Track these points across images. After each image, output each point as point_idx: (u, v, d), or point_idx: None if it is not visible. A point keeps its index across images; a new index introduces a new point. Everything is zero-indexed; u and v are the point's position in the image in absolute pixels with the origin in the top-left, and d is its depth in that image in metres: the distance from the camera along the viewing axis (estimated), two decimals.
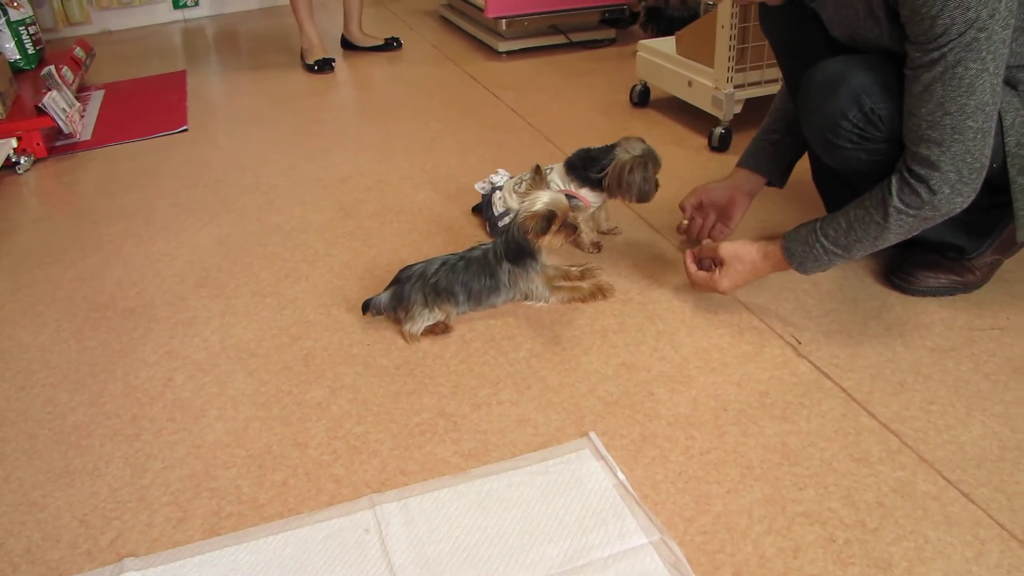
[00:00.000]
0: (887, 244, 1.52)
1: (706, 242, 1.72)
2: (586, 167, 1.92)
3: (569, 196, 1.95)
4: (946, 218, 1.47)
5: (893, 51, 1.45)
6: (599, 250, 2.02)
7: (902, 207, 1.44)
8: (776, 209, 2.08)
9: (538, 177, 1.76)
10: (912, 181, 1.43)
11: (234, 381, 1.64)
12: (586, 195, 1.95)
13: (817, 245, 1.55)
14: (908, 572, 1.15)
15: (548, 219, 1.66)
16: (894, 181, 1.45)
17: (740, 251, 1.66)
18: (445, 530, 1.25)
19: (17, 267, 2.16)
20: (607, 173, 1.88)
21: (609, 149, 1.91)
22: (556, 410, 1.49)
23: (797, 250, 1.58)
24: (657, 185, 1.92)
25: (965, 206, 1.44)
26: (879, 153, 1.52)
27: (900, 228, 1.47)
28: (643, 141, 1.91)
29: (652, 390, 1.53)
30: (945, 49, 1.32)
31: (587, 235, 2.00)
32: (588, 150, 1.95)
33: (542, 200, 1.67)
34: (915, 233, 1.50)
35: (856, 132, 1.52)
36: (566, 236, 1.71)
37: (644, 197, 1.89)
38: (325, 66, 3.68)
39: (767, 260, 1.64)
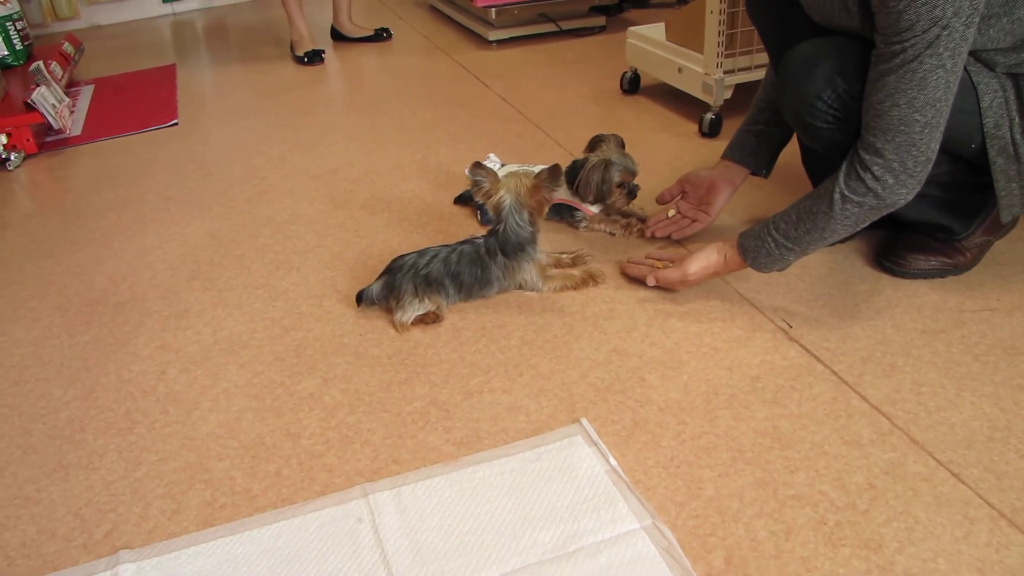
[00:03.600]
0: (836, 236, 1.53)
1: (666, 268, 1.74)
2: (573, 178, 1.99)
3: (573, 208, 1.99)
4: (892, 210, 1.48)
5: (869, 37, 1.46)
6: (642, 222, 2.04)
7: (848, 194, 1.46)
8: (763, 194, 2.08)
9: (484, 171, 1.74)
10: (858, 168, 1.45)
11: (227, 373, 1.64)
12: (588, 205, 2.01)
13: (769, 239, 1.56)
14: (899, 552, 1.16)
15: (553, 173, 1.69)
16: (843, 167, 1.47)
17: (704, 262, 1.67)
18: (438, 518, 1.26)
19: (7, 263, 2.16)
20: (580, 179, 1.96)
21: (587, 157, 1.97)
22: (548, 397, 1.50)
23: (751, 245, 1.60)
24: (633, 192, 1.96)
25: (910, 198, 1.46)
26: (855, 134, 1.52)
27: (846, 218, 1.48)
28: (620, 145, 1.95)
29: (643, 376, 1.53)
30: (907, 44, 1.33)
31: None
32: (576, 161, 2.01)
33: (516, 176, 1.71)
34: (863, 225, 1.51)
35: (831, 113, 1.53)
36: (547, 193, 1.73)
37: (601, 197, 1.95)
38: (315, 58, 3.67)
39: (727, 264, 1.66)
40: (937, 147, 1.42)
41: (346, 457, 1.40)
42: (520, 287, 1.79)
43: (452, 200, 2.24)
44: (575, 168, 1.99)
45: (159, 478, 1.40)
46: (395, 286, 1.70)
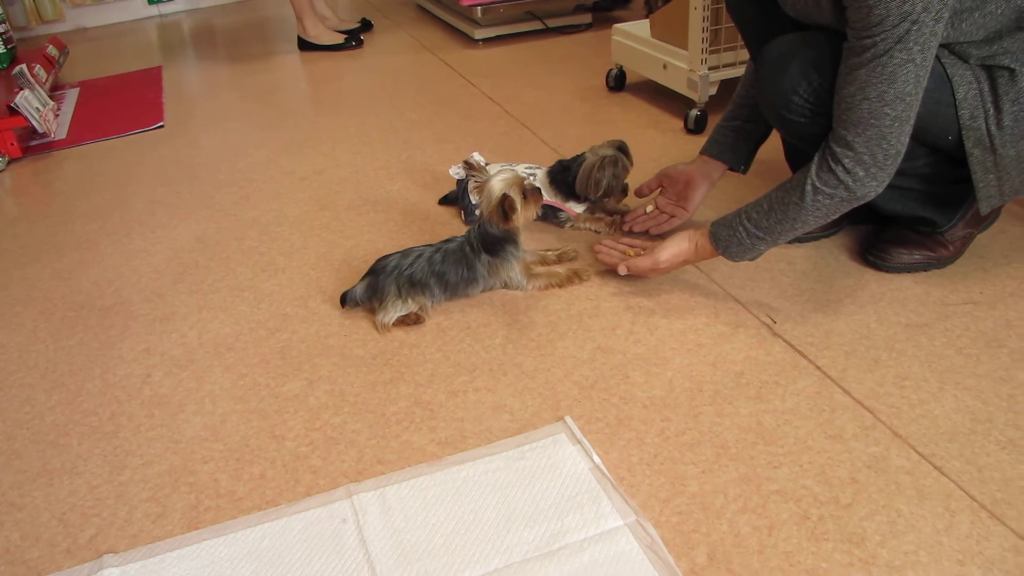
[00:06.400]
0: (807, 227, 1.54)
1: (637, 256, 1.75)
2: (563, 178, 1.99)
3: (556, 208, 1.99)
4: (862, 203, 1.49)
5: (843, 31, 1.47)
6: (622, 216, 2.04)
7: (819, 186, 1.47)
8: (747, 189, 2.07)
9: (474, 170, 1.75)
10: (829, 160, 1.46)
11: (212, 376, 1.64)
12: (571, 206, 2.02)
13: (740, 228, 1.57)
14: (881, 546, 1.16)
15: (503, 204, 1.65)
16: (815, 159, 1.48)
17: (675, 249, 1.68)
18: (422, 517, 1.26)
19: None
20: (577, 176, 1.95)
21: (579, 156, 1.98)
22: (532, 395, 1.50)
23: (722, 235, 1.61)
24: (625, 190, 1.98)
25: (880, 191, 1.47)
26: (831, 127, 1.53)
27: (817, 210, 1.49)
28: (613, 146, 1.95)
29: (628, 373, 1.53)
30: (877, 38, 1.34)
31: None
32: (562, 161, 2.03)
33: (493, 189, 1.67)
34: (834, 217, 1.53)
35: (807, 107, 1.54)
36: (535, 203, 1.73)
37: (609, 192, 1.95)
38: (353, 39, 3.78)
39: (698, 253, 1.67)
40: (907, 140, 1.43)
41: (331, 458, 1.40)
42: (505, 285, 1.80)
43: (437, 201, 2.24)
44: (562, 167, 1.99)
45: (144, 482, 1.40)
46: (378, 287, 1.70)
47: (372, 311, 1.75)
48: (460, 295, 1.77)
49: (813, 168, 1.48)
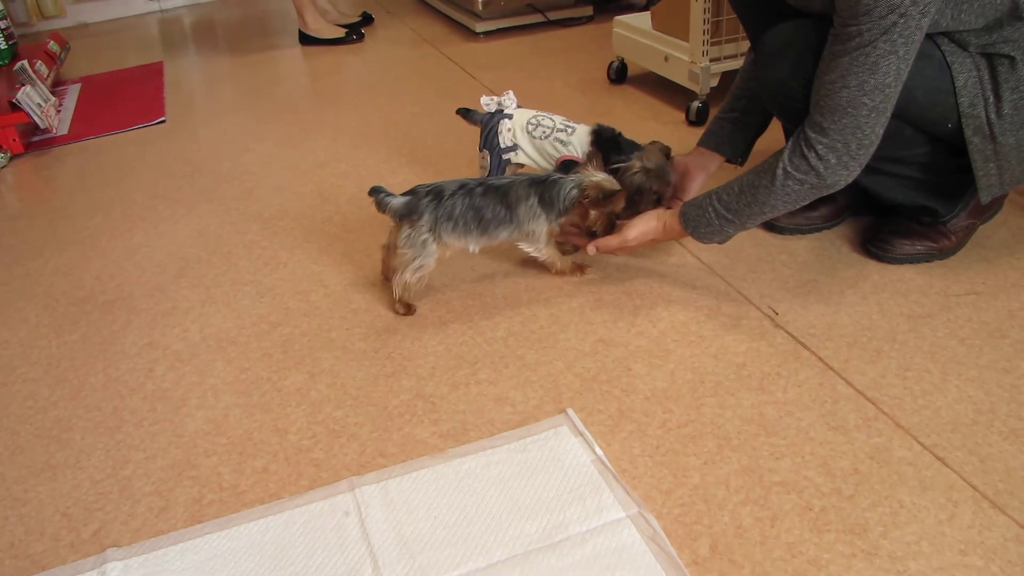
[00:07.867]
0: (775, 212, 1.54)
1: (603, 238, 1.73)
2: (608, 147, 1.88)
3: (576, 162, 1.90)
4: (831, 191, 1.49)
5: None
6: None
7: (791, 170, 1.47)
8: None
9: (594, 162, 1.72)
10: (803, 146, 1.46)
11: (214, 370, 1.64)
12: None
13: (710, 209, 1.57)
14: (883, 536, 1.16)
15: (609, 195, 1.65)
16: (789, 144, 1.49)
17: (643, 227, 1.68)
18: (424, 510, 1.26)
19: None
20: (619, 170, 1.84)
21: (635, 147, 1.89)
22: (534, 388, 1.50)
23: (692, 215, 1.61)
24: (660, 200, 1.86)
25: (850, 180, 1.48)
26: None
27: (786, 194, 1.49)
28: (664, 155, 1.87)
29: (629, 365, 1.53)
30: (863, 27, 1.34)
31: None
32: (613, 130, 1.92)
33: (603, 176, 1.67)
34: (803, 203, 1.53)
35: (806, 94, 1.53)
36: (605, 221, 1.71)
37: (630, 204, 1.85)
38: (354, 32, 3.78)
39: (667, 231, 1.67)
40: (882, 132, 1.44)
41: (333, 451, 1.40)
42: (527, 238, 1.74)
43: (455, 110, 2.11)
44: (613, 136, 1.90)
45: (147, 476, 1.40)
46: (415, 209, 1.65)
47: (386, 277, 1.74)
48: (488, 234, 1.70)
49: (786, 153, 1.48)
